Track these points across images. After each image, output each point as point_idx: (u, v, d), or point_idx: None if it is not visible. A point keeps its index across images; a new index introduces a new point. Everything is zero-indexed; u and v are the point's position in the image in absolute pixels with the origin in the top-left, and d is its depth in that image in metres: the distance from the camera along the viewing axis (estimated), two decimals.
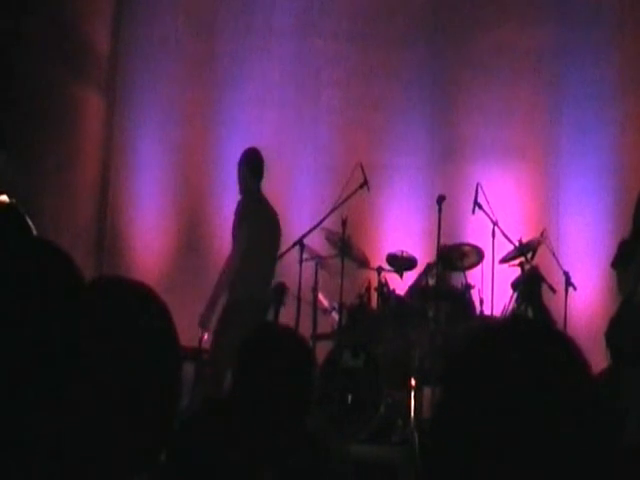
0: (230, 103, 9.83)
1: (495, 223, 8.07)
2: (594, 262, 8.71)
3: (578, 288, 8.05)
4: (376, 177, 8.63)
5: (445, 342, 7.47)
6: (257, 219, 7.47)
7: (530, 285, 7.71)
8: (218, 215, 9.27)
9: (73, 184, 9.29)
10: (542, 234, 8.07)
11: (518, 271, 7.89)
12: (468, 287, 7.95)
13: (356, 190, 8.04)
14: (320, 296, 8.03)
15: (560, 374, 1.34)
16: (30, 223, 4.84)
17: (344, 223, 8.01)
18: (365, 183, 8.06)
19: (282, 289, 7.43)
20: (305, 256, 7.94)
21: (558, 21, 9.58)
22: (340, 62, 9.86)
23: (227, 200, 8.39)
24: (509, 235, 8.01)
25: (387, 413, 7.24)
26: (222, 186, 9.22)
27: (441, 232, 7.73)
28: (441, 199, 7.86)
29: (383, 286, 7.94)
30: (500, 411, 1.32)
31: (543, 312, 7.60)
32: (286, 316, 7.33)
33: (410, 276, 8.24)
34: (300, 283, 7.74)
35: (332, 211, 8.01)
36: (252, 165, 7.61)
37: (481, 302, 7.92)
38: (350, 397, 7.28)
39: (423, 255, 8.31)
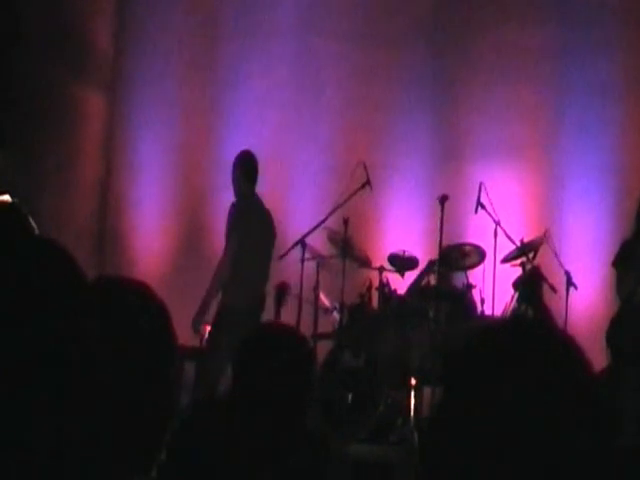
0: (231, 103, 9.83)
1: (497, 223, 8.07)
2: (595, 262, 8.71)
3: (579, 288, 8.05)
4: (378, 177, 8.62)
5: (445, 342, 7.46)
6: (249, 222, 7.49)
7: (531, 285, 7.71)
8: (219, 215, 9.26)
9: (74, 184, 9.29)
10: (545, 233, 8.06)
11: (519, 271, 7.89)
12: (469, 287, 7.95)
13: (358, 190, 8.04)
14: (321, 296, 8.03)
15: (560, 374, 1.34)
16: (33, 223, 4.84)
17: (346, 223, 8.01)
18: (367, 182, 8.05)
19: (283, 288, 7.44)
20: (306, 255, 7.94)
21: (559, 21, 9.58)
22: (341, 62, 9.86)
23: (228, 200, 8.37)
24: (511, 235, 8.01)
25: (387, 413, 7.25)
26: (223, 186, 9.19)
27: (443, 232, 7.73)
28: (444, 199, 7.85)
29: (384, 286, 7.94)
30: (500, 411, 1.32)
31: (544, 312, 7.60)
32: (287, 315, 7.34)
33: (411, 276, 8.24)
34: (301, 282, 7.75)
35: (334, 211, 8.01)
36: (246, 168, 7.64)
37: (482, 302, 7.92)
38: (350, 396, 7.28)
39: (425, 255, 8.31)
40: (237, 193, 7.64)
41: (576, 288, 8.00)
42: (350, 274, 8.03)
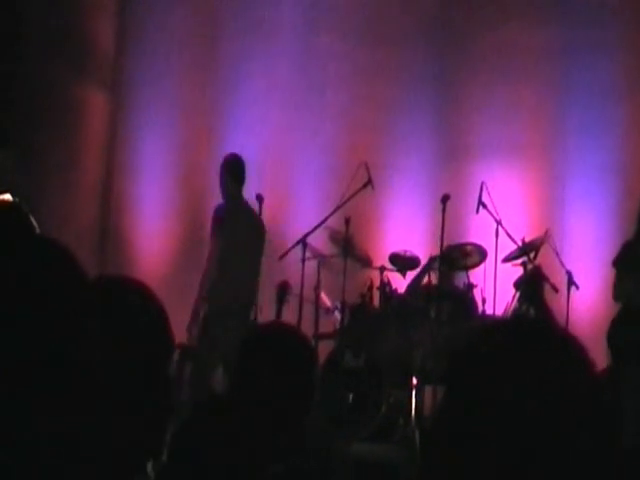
0: (234, 102, 9.83)
1: (499, 222, 8.07)
2: (597, 262, 8.70)
3: (581, 287, 8.05)
4: (380, 176, 8.62)
5: (447, 341, 7.46)
6: (237, 223, 7.52)
7: (532, 285, 7.71)
8: None
9: (75, 183, 9.30)
10: (546, 233, 8.06)
11: (521, 270, 7.89)
12: (470, 286, 7.95)
13: (360, 189, 8.04)
14: (322, 295, 8.04)
15: (561, 373, 1.34)
16: (34, 222, 4.84)
17: (347, 222, 8.01)
18: (369, 182, 8.06)
19: (285, 288, 7.44)
20: (308, 255, 7.94)
21: (562, 21, 9.57)
22: (343, 61, 9.85)
23: None
24: (513, 234, 8.01)
25: (388, 412, 7.25)
26: None
27: (444, 231, 7.72)
28: (445, 198, 7.84)
29: (385, 285, 7.94)
30: (502, 411, 1.32)
31: (545, 311, 7.60)
32: (288, 315, 7.34)
33: (412, 276, 8.23)
34: (302, 282, 7.75)
35: (335, 210, 8.01)
36: (233, 171, 7.69)
37: (483, 301, 7.92)
38: (351, 396, 7.28)
39: (426, 255, 8.30)
40: (225, 195, 7.70)
41: (577, 288, 8.00)
42: (351, 274, 8.03)
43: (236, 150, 8.11)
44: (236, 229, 7.47)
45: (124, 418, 1.48)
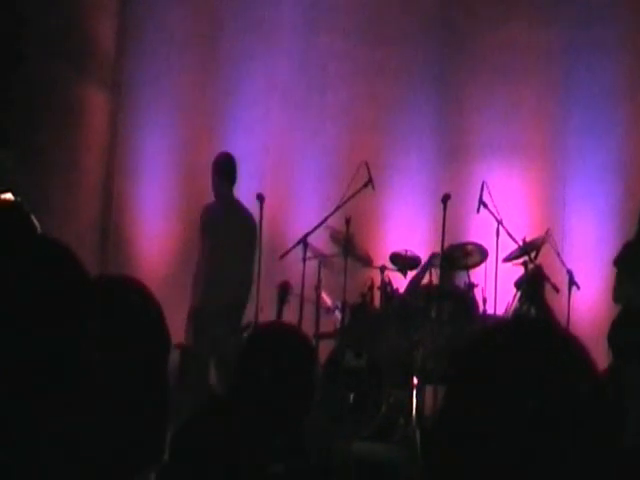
0: (234, 102, 9.82)
1: (500, 222, 8.07)
2: (598, 261, 8.70)
3: (582, 287, 8.04)
4: (380, 176, 8.62)
5: (448, 341, 7.46)
6: (228, 223, 7.54)
7: (533, 284, 7.71)
8: None
9: (76, 183, 9.30)
10: (547, 233, 8.06)
11: (522, 270, 7.89)
12: (471, 286, 7.95)
13: (360, 189, 8.04)
14: (323, 295, 8.04)
15: (562, 373, 1.34)
16: (35, 222, 4.85)
17: (348, 222, 8.01)
18: (370, 181, 8.05)
19: (285, 288, 7.44)
20: (308, 254, 7.94)
21: (563, 21, 9.56)
22: (344, 60, 9.85)
23: None
24: (513, 234, 8.00)
25: (389, 412, 7.25)
26: None
27: (445, 231, 7.72)
28: (446, 198, 7.83)
29: (386, 285, 7.94)
30: (502, 411, 1.32)
31: (546, 311, 7.60)
32: (289, 315, 7.34)
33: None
34: (303, 282, 7.75)
35: (336, 209, 8.01)
36: (224, 170, 7.71)
37: (484, 301, 7.91)
38: (352, 396, 7.28)
39: (427, 254, 8.30)
40: (216, 194, 7.72)
41: (578, 288, 8.00)
42: (352, 273, 8.03)
43: (236, 150, 8.11)
44: (227, 229, 7.49)
45: (124, 418, 1.48)
